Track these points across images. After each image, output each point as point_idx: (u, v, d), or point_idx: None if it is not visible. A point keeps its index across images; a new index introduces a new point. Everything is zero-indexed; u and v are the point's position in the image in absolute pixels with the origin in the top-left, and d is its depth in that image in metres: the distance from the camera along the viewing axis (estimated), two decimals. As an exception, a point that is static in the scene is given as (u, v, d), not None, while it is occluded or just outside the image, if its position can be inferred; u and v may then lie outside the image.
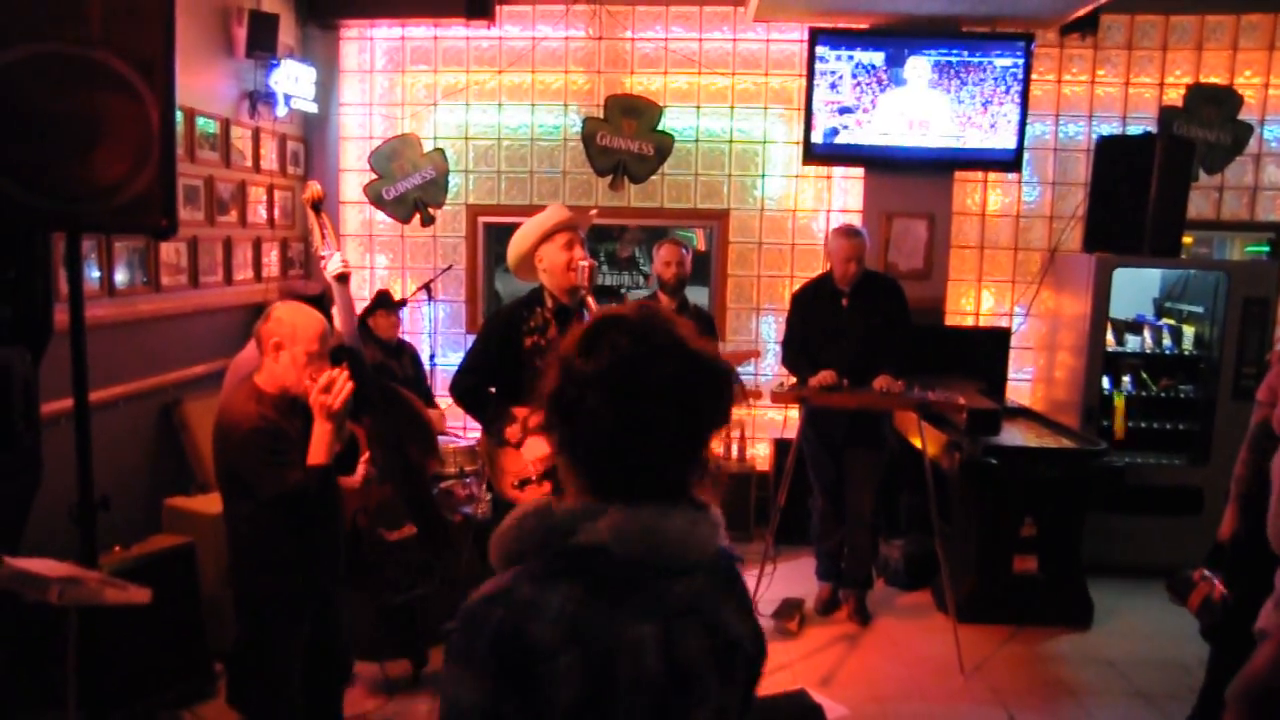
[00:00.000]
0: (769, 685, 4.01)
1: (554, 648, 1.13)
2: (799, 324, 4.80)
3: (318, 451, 2.67)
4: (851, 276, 4.61)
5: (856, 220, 5.97)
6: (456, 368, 3.64)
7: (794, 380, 4.67)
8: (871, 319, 4.61)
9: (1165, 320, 5.82)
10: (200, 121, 4.70)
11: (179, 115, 4.40)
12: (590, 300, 3.40)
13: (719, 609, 1.26)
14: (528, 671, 1.13)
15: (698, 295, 6.33)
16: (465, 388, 3.55)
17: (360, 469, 3.13)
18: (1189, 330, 5.64)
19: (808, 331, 4.73)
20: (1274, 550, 2.92)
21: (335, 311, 3.46)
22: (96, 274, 4.03)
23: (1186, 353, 5.60)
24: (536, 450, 3.45)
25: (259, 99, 5.21)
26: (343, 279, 3.41)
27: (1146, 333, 5.69)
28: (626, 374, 1.20)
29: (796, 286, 6.10)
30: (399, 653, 4.01)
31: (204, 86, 4.78)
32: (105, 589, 2.28)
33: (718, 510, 1.30)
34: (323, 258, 3.42)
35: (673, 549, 1.21)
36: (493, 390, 3.56)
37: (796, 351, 4.74)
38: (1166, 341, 5.65)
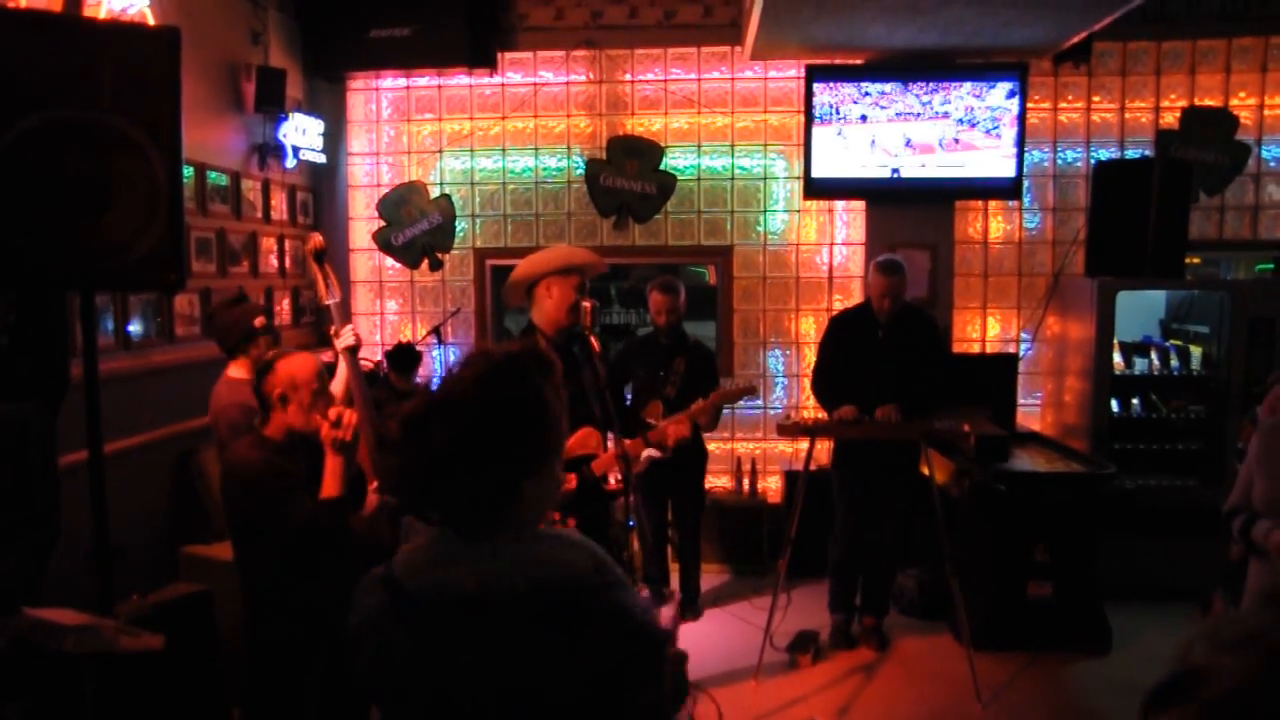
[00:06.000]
0: (784, 718, 4.02)
1: (353, 646, 1.40)
2: (832, 352, 4.78)
3: (331, 485, 2.73)
4: (887, 311, 4.59)
5: (858, 252, 6.04)
6: None
7: (801, 414, 4.69)
8: (907, 353, 4.60)
9: (1172, 341, 5.83)
10: (211, 175, 4.82)
11: (190, 170, 4.53)
12: (594, 340, 3.44)
13: (519, 653, 1.32)
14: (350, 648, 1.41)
15: (705, 329, 6.38)
16: None
17: (371, 499, 3.16)
18: (1196, 351, 5.64)
19: (842, 360, 4.70)
20: None
21: (339, 377, 3.48)
22: (111, 326, 4.12)
23: (1195, 373, 5.60)
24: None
25: (268, 152, 5.34)
26: (353, 350, 3.46)
27: (1154, 354, 5.70)
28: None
29: (806, 317, 6.19)
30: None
31: (214, 141, 4.91)
32: (120, 637, 2.32)
33: (543, 549, 1.37)
34: (326, 306, 3.48)
35: (446, 584, 1.35)
36: None
37: (826, 382, 4.71)
38: (1174, 362, 5.65)
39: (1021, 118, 5.70)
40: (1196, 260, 6.26)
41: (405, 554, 1.40)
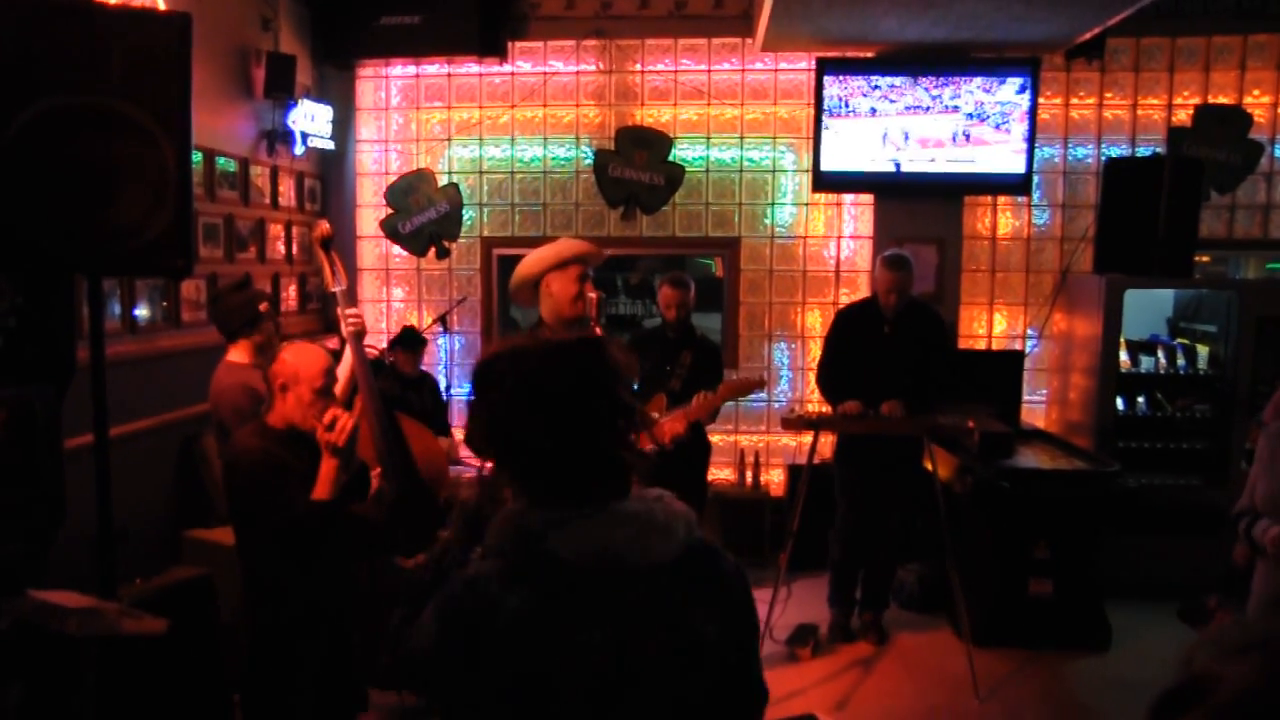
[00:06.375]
0: (782, 711, 4.03)
1: (505, 645, 1.26)
2: (837, 346, 4.78)
3: (323, 487, 2.74)
4: (893, 307, 4.59)
5: (866, 246, 6.02)
6: None
7: (806, 408, 4.70)
8: (912, 348, 4.59)
9: (1179, 340, 5.81)
10: (220, 161, 4.83)
11: (198, 155, 4.53)
12: (599, 331, 3.45)
13: (684, 609, 1.33)
14: (476, 656, 1.26)
15: (711, 321, 6.38)
16: None
17: (374, 482, 3.17)
18: (1203, 350, 5.62)
19: (847, 354, 4.70)
20: None
21: (345, 363, 3.49)
22: (118, 310, 4.14)
23: (1201, 372, 5.58)
24: None
25: (277, 138, 5.34)
26: (358, 336, 3.48)
27: (1160, 353, 5.68)
28: (531, 388, 1.35)
29: (813, 311, 6.19)
30: (415, 681, 4.03)
31: (223, 127, 4.91)
32: (122, 620, 2.34)
33: (677, 505, 1.39)
34: (333, 293, 3.49)
35: (623, 556, 1.30)
36: None
37: (831, 376, 4.72)
38: (1181, 361, 5.63)
39: (1032, 113, 5.67)
40: (1206, 259, 6.24)
41: (568, 534, 1.29)
